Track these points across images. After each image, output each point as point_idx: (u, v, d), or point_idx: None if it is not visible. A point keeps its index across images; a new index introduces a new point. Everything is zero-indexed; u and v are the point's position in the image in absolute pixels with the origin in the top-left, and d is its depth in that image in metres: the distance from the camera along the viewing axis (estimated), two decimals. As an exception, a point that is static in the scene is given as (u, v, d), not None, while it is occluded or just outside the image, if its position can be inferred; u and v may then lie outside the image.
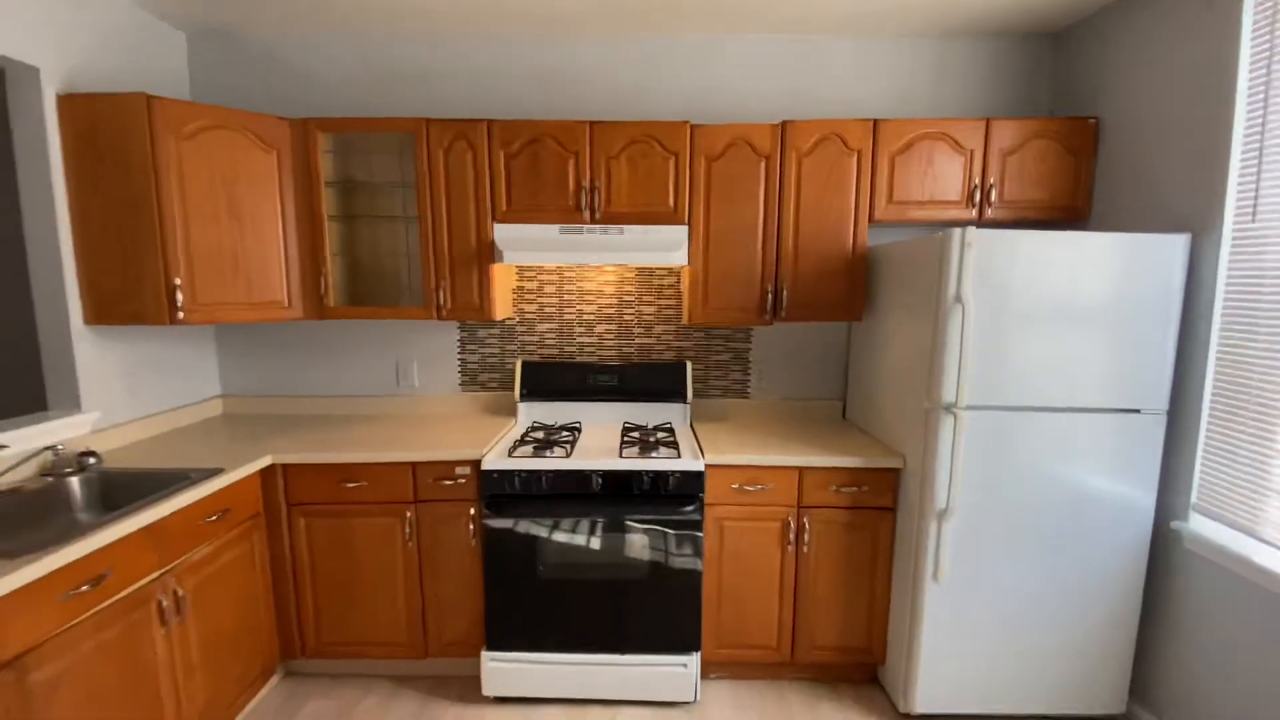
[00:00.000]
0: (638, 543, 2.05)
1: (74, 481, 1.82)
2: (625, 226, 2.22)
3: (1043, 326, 1.84)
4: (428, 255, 2.27)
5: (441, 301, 2.30)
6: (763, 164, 2.22)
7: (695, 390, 2.66)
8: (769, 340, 2.64)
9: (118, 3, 2.18)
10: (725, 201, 2.24)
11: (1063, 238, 1.82)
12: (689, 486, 2.04)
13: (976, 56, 2.47)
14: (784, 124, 2.20)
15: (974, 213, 2.25)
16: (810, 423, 2.56)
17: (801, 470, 2.09)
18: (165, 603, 1.64)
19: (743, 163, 2.22)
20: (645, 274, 2.60)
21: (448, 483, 2.10)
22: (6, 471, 1.75)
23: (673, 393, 2.52)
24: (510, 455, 2.07)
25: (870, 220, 2.26)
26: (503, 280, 2.45)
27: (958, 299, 1.82)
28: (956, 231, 1.80)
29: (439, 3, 2.20)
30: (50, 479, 1.79)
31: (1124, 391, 1.87)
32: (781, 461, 2.07)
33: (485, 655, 2.08)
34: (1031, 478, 1.90)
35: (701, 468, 2.04)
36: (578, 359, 2.65)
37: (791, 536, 2.11)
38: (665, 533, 2.05)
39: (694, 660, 2.09)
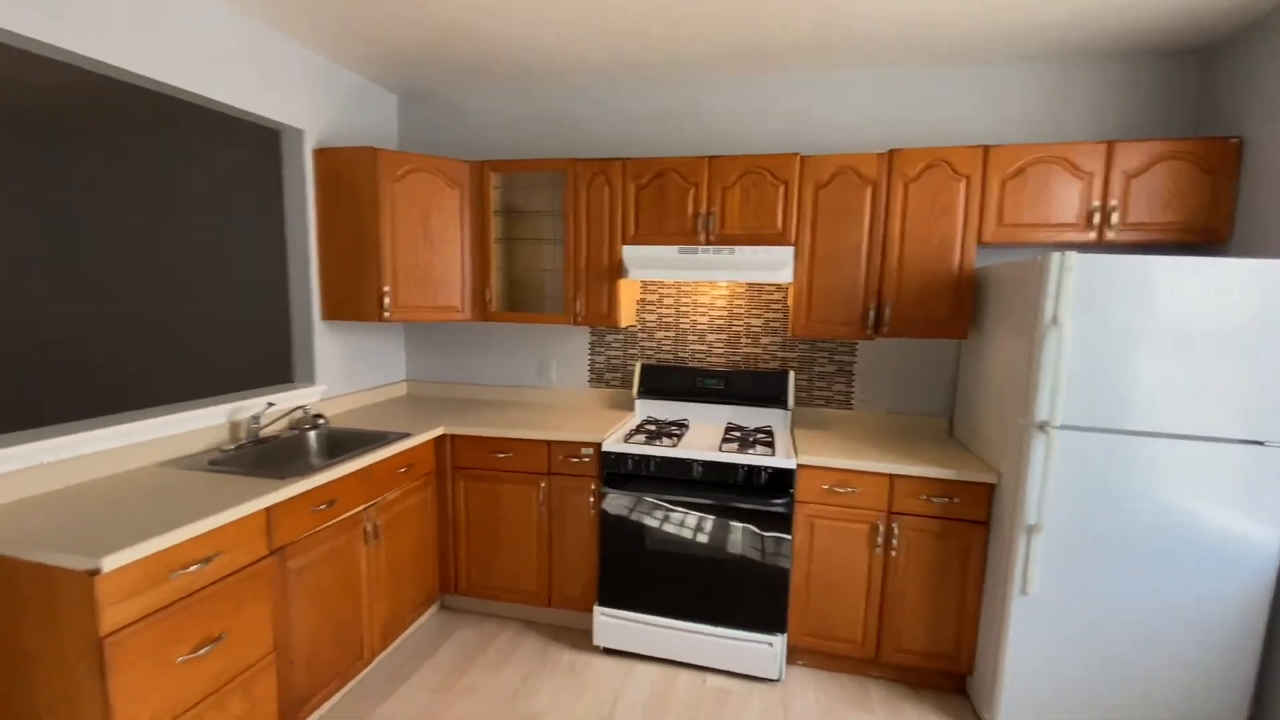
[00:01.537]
0: (732, 528, 2.31)
1: (311, 435, 2.47)
2: (736, 247, 2.49)
3: (1155, 351, 1.84)
4: (569, 271, 2.71)
5: (578, 310, 2.72)
6: (869, 190, 2.39)
7: (798, 399, 2.85)
8: (875, 354, 2.76)
9: (353, 77, 2.87)
10: (830, 224, 2.43)
11: (1173, 264, 1.81)
12: (781, 482, 2.26)
13: (1102, 76, 2.43)
14: (891, 153, 2.35)
15: (1093, 235, 2.23)
16: (912, 437, 2.64)
17: (892, 478, 2.22)
18: (368, 528, 2.19)
19: (849, 189, 2.40)
20: (754, 289, 2.85)
21: (574, 460, 2.50)
22: (272, 422, 2.42)
23: (775, 399, 2.74)
24: (626, 441, 2.43)
25: (979, 241, 2.33)
26: (628, 293, 2.83)
27: (1054, 321, 1.87)
28: (1056, 255, 1.86)
29: (581, 57, 2.64)
30: (295, 432, 2.44)
31: (1247, 423, 1.80)
32: (872, 468, 2.22)
33: (596, 610, 2.45)
34: (1135, 500, 1.89)
35: (793, 466, 2.25)
36: (689, 364, 2.96)
37: (880, 540, 2.25)
38: (757, 522, 2.28)
39: (780, 641, 2.29)
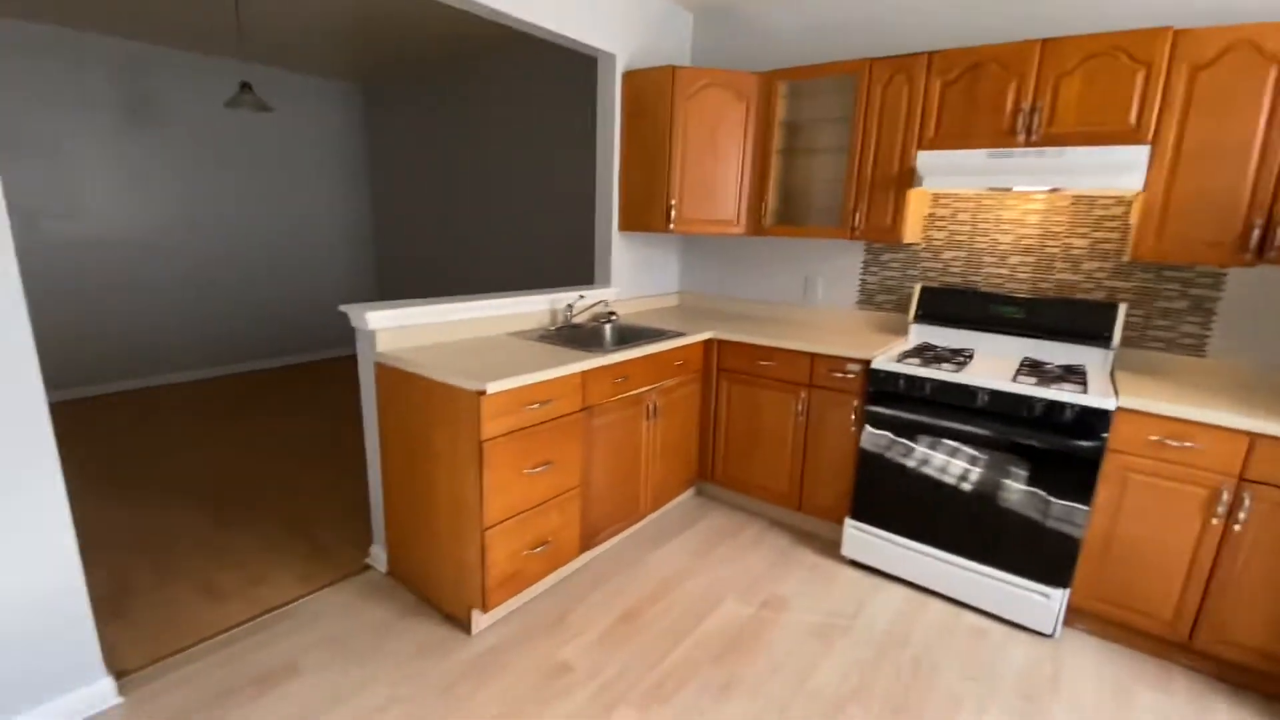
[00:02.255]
0: (1016, 467, 2.10)
1: (606, 327, 2.90)
2: (1067, 148, 2.12)
3: None
4: (850, 181, 2.62)
5: (856, 223, 2.64)
6: (1272, 70, 1.80)
7: (1126, 338, 2.39)
8: (1252, 287, 2.15)
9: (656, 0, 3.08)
10: (1207, 116, 1.91)
11: None
12: (1090, 425, 1.97)
13: None
14: (1338, 6, 1.72)
15: None
16: (1298, 397, 2.04)
17: (1254, 438, 1.77)
18: (650, 406, 2.54)
19: (1240, 70, 1.84)
20: (1081, 202, 2.41)
21: (838, 375, 2.51)
22: (580, 313, 2.90)
23: (1094, 335, 2.33)
24: (900, 361, 2.34)
25: None
26: (916, 206, 2.63)
27: None
28: None
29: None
30: (595, 324, 2.89)
31: None
32: (1227, 421, 1.79)
33: (848, 522, 2.49)
34: None
35: (1112, 407, 1.94)
36: (980, 288, 2.67)
37: (1220, 510, 1.84)
38: (1051, 465, 2.04)
39: (1059, 596, 2.07)
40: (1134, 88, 2.00)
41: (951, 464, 2.23)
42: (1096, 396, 1.96)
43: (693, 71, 2.75)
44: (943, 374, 2.22)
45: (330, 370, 5.43)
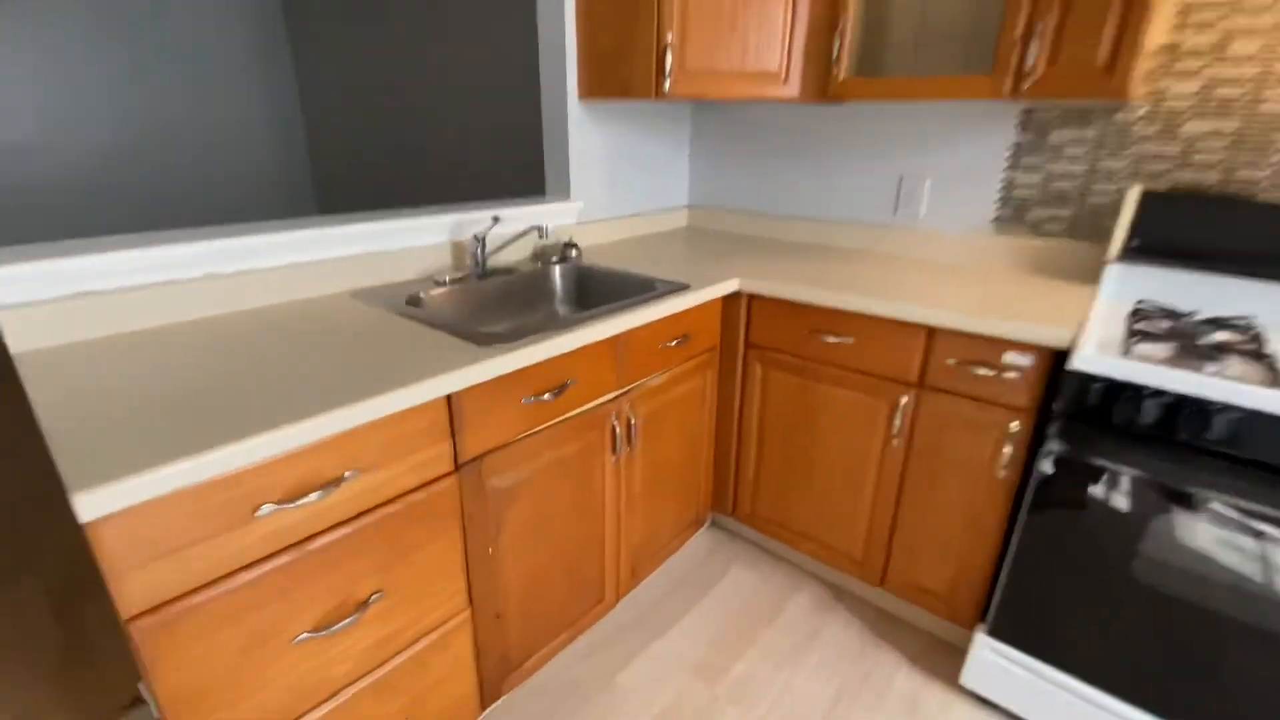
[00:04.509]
0: None
1: (556, 271, 1.70)
2: None
3: None
4: (1026, -25, 1.28)
5: (1025, 65, 1.33)
6: None
7: None
8: None
9: None
10: None
11: None
12: None
13: None
14: None
15: None
16: None
17: None
18: (617, 428, 1.38)
19: None
20: None
21: (981, 371, 1.30)
22: (502, 246, 1.69)
23: None
24: (1128, 354, 1.11)
25: None
26: (1150, 33, 1.29)
27: None
28: None
29: None
30: (535, 269, 1.69)
31: None
32: None
33: (981, 637, 1.37)
34: None
35: None
36: (1261, 198, 1.37)
37: None
38: None
39: None
40: None
41: (1226, 567, 1.06)
42: None
43: None
44: (1226, 386, 0.99)
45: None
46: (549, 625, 1.37)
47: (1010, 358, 1.26)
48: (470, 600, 1.15)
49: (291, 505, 0.82)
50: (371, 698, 1.02)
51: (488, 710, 1.32)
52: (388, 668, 1.03)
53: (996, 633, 1.34)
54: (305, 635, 0.89)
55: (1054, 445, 1.18)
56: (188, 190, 4.15)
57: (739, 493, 1.83)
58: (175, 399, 0.85)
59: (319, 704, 0.95)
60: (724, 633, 1.61)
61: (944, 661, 1.53)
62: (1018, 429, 1.27)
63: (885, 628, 1.63)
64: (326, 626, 0.91)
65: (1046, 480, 1.21)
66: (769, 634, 1.61)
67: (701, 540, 1.96)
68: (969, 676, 1.40)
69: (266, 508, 0.80)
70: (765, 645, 1.58)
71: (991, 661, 1.36)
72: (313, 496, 0.84)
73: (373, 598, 0.96)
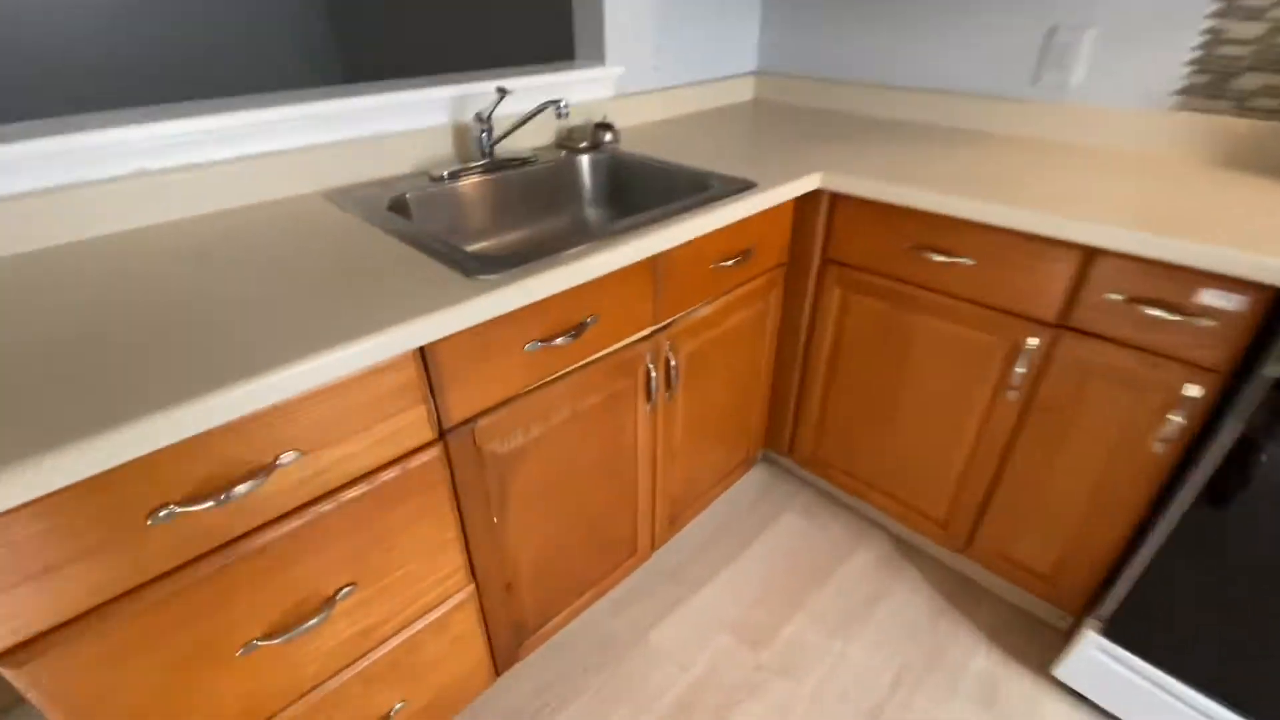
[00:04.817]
0: None
1: (584, 162, 1.36)
2: None
3: None
4: None
5: None
6: None
7: None
8: None
9: None
10: None
11: None
12: None
13: None
14: None
15: None
16: None
17: None
18: (653, 371, 1.12)
19: None
20: None
21: (1155, 312, 0.94)
22: (515, 128, 1.36)
23: None
24: None
25: None
26: None
27: None
28: None
29: None
30: (564, 153, 1.36)
31: None
32: None
33: (1091, 635, 1.12)
34: None
35: None
36: None
37: None
38: None
39: None
40: None
41: None
42: None
43: None
44: None
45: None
46: (572, 585, 1.21)
47: (1209, 297, 0.89)
48: (473, 575, 0.97)
49: (204, 505, 0.61)
50: (361, 685, 0.88)
51: (506, 673, 1.20)
52: (373, 657, 0.88)
53: (1112, 633, 1.09)
54: (258, 643, 0.72)
55: (1256, 423, 0.85)
56: (188, 58, 3.79)
57: (798, 432, 1.57)
58: (15, 361, 0.62)
59: (292, 701, 0.81)
60: (771, 589, 1.43)
61: (1032, 641, 1.31)
62: (1199, 395, 0.93)
63: (961, 597, 1.41)
64: (284, 631, 0.74)
65: (1231, 466, 0.89)
66: (820, 594, 1.42)
67: (751, 480, 1.75)
68: (1066, 669, 1.18)
69: (167, 510, 0.59)
70: (815, 607, 1.39)
71: (1098, 661, 1.13)
72: (240, 489, 0.63)
73: (342, 593, 0.78)
